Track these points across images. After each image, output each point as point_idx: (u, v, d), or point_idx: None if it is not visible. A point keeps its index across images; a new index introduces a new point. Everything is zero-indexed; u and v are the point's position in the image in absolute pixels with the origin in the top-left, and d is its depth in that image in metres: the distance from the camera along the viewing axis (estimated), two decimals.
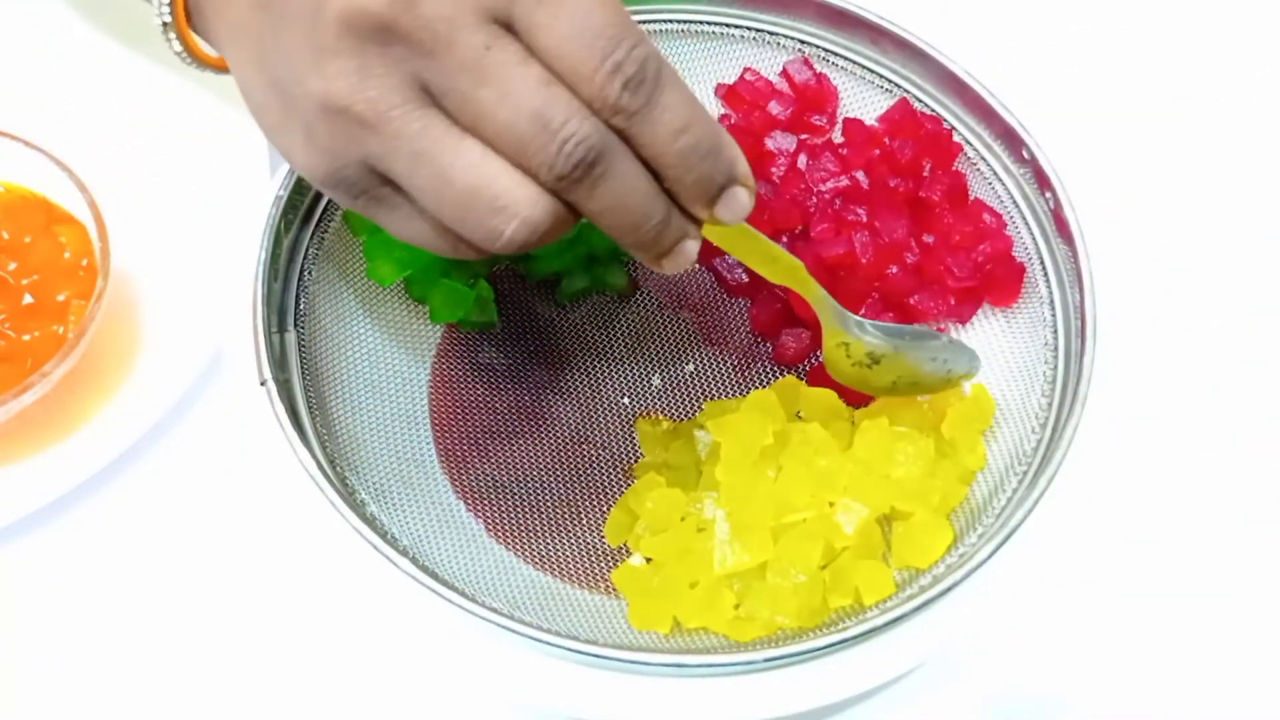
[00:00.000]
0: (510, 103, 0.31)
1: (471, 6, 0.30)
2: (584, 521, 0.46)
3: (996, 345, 0.48)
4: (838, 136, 0.52)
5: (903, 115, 0.50)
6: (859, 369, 0.44)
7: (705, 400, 0.48)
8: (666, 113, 0.32)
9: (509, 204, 0.31)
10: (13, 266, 0.49)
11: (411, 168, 0.32)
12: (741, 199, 0.35)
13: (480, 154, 0.31)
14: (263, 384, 0.42)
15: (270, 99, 0.33)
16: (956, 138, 0.50)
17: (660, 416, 0.48)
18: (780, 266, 0.41)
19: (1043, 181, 0.47)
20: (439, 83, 0.31)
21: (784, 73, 0.52)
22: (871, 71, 0.51)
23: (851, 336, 0.44)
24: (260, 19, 0.33)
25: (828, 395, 0.46)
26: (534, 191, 0.32)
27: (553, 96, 0.31)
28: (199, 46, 0.38)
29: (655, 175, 0.33)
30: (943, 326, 0.49)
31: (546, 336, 0.50)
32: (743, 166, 0.35)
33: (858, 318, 0.44)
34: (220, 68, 0.38)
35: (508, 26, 0.31)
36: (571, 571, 0.45)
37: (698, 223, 0.35)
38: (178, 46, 0.38)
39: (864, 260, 0.47)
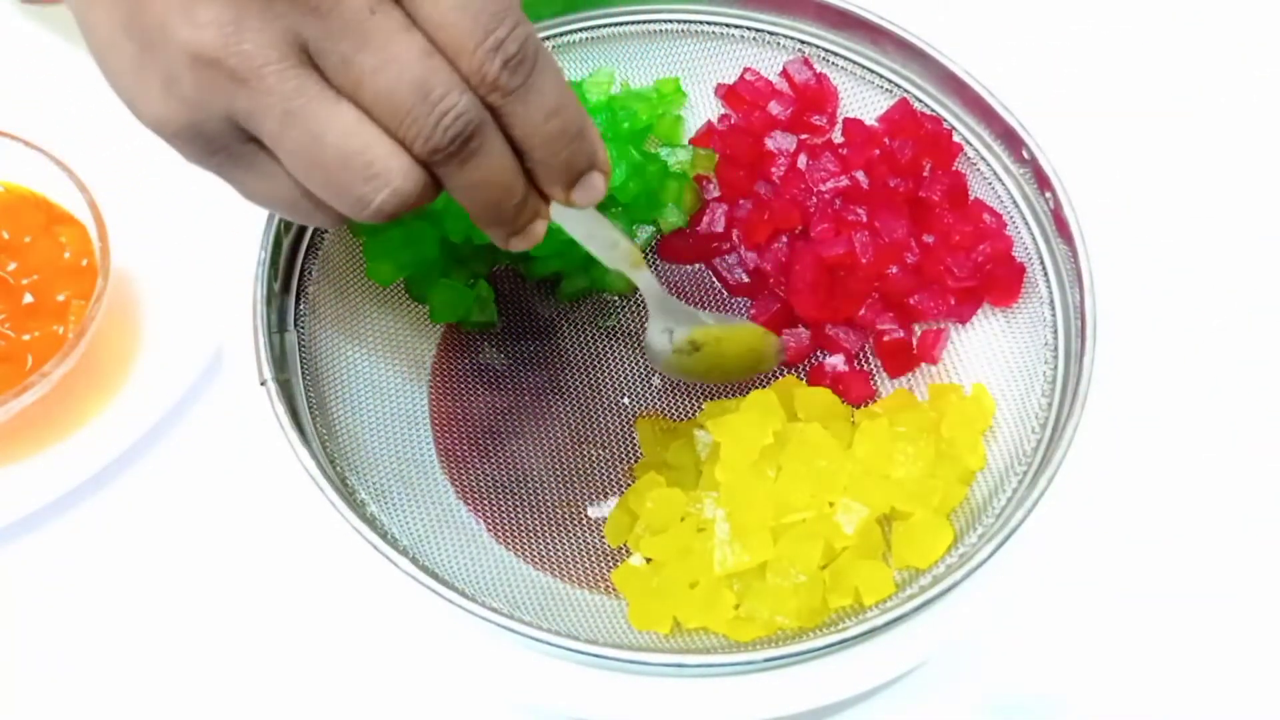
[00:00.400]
0: (391, 70, 0.30)
1: None
2: (584, 521, 0.46)
3: (996, 345, 0.48)
4: (838, 136, 0.52)
5: (903, 115, 0.50)
6: (679, 356, 0.45)
7: (705, 400, 0.48)
8: (540, 95, 0.32)
9: (381, 172, 0.31)
10: (13, 266, 0.49)
11: (281, 127, 0.30)
12: (598, 184, 0.35)
13: (355, 119, 0.31)
14: (263, 384, 0.42)
15: (122, 40, 0.31)
16: (956, 138, 0.50)
17: (660, 416, 0.48)
18: (619, 252, 0.41)
19: (1043, 181, 0.47)
20: (319, 43, 0.30)
21: (784, 73, 0.52)
22: (871, 71, 0.51)
23: (676, 323, 0.45)
24: None
25: (825, 395, 0.46)
26: (406, 161, 0.31)
27: (433, 68, 0.30)
28: None
29: (518, 154, 0.33)
30: (942, 327, 0.49)
31: (546, 336, 0.50)
32: (602, 153, 0.35)
33: (686, 307, 0.46)
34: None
35: None
36: (571, 571, 0.45)
37: (547, 201, 0.36)
38: None
39: (864, 260, 0.48)
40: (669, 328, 0.45)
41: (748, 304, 0.51)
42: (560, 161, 0.34)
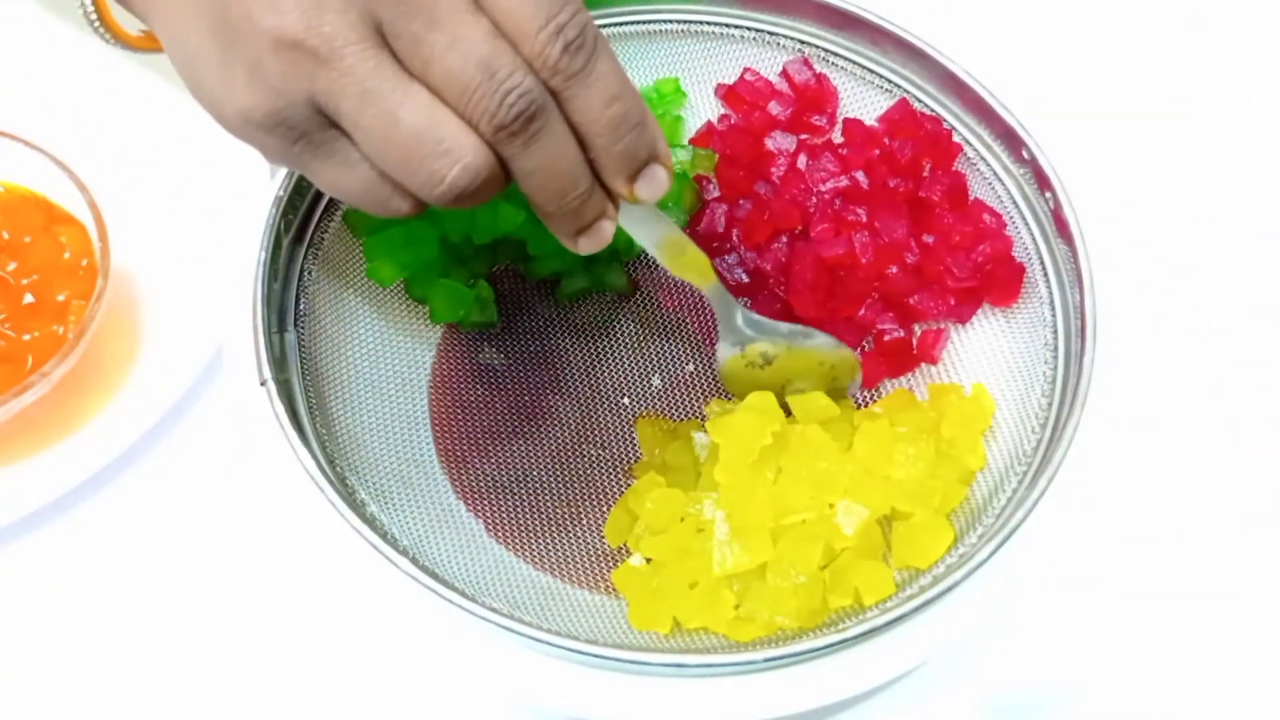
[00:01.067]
0: (460, 48, 0.31)
1: None
2: (584, 521, 0.46)
3: (996, 345, 0.48)
4: (838, 136, 0.52)
5: (902, 115, 0.50)
6: (751, 370, 0.45)
7: (705, 400, 0.48)
8: (601, 80, 0.33)
9: (453, 148, 0.32)
10: (13, 266, 0.49)
11: (360, 106, 0.31)
12: (661, 177, 0.36)
13: (427, 99, 0.32)
14: (263, 384, 0.42)
15: (208, 45, 0.33)
16: (956, 138, 0.50)
17: (660, 416, 0.48)
18: (687, 259, 0.41)
19: (1043, 181, 0.47)
20: (392, 23, 0.31)
21: (784, 73, 0.52)
22: (871, 71, 0.51)
23: (748, 336, 0.45)
24: None
25: (820, 397, 0.46)
26: (475, 140, 0.32)
27: (499, 48, 0.31)
28: (116, 23, 0.38)
29: (581, 146, 0.34)
30: (942, 327, 0.49)
31: (546, 336, 0.50)
32: (664, 146, 0.36)
33: (755, 316, 0.45)
34: (144, 46, 0.38)
35: None
36: (571, 571, 0.45)
37: (614, 203, 0.36)
38: (94, 19, 0.38)
39: (864, 260, 0.48)
40: (740, 341, 0.45)
41: (747, 304, 0.51)
42: (622, 150, 0.34)
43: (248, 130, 0.34)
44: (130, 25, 0.39)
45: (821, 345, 0.47)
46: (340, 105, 0.32)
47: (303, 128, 0.33)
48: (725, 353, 0.46)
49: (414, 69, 0.32)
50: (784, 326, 0.46)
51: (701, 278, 0.42)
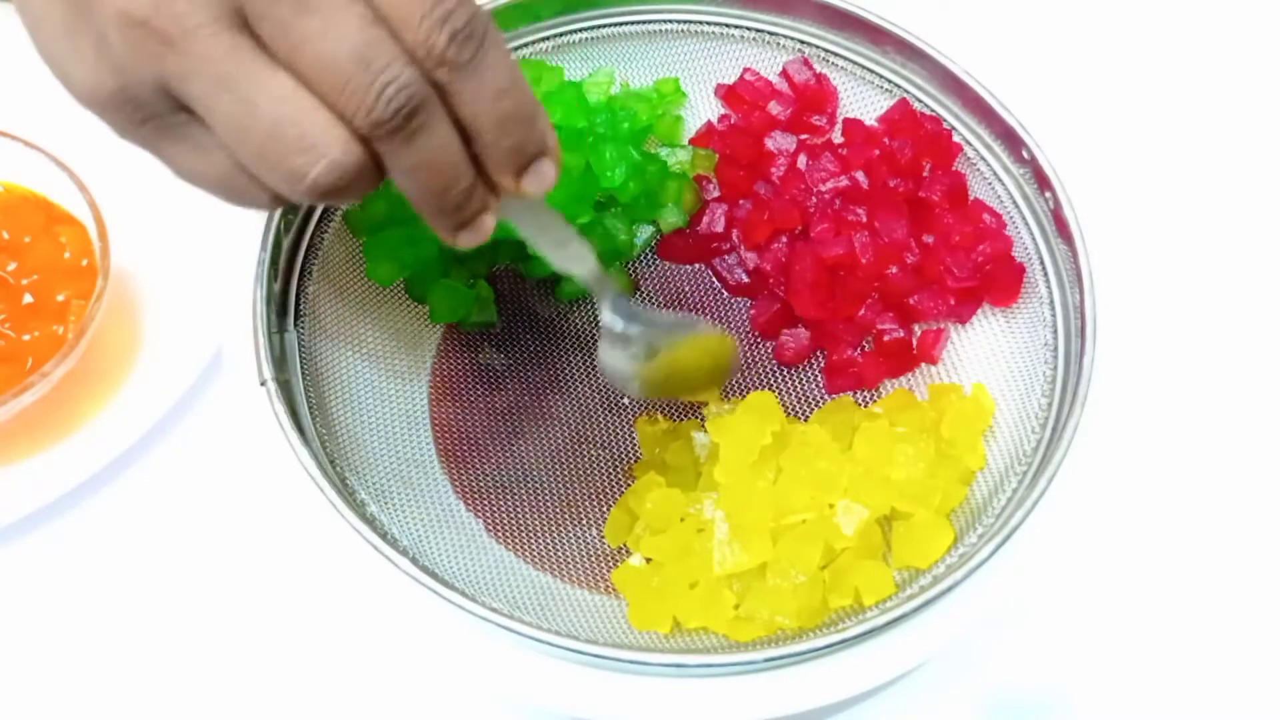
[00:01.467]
0: (332, 36, 0.29)
1: None
2: (584, 521, 0.46)
3: (996, 345, 0.48)
4: (838, 137, 0.52)
5: (902, 115, 0.50)
6: (635, 363, 0.43)
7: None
8: (490, 71, 0.31)
9: (317, 142, 0.29)
10: (13, 266, 0.49)
11: (212, 92, 0.29)
12: (549, 172, 0.34)
13: (292, 87, 0.29)
14: (263, 384, 0.42)
15: (54, 7, 0.30)
16: (956, 138, 0.50)
17: (660, 416, 0.48)
18: (570, 251, 0.39)
19: (1042, 181, 0.47)
20: (256, 6, 0.29)
21: (784, 73, 0.52)
22: (871, 71, 0.51)
23: (630, 327, 0.43)
24: None
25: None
26: (345, 133, 0.30)
27: (377, 37, 0.29)
28: None
29: (465, 139, 0.32)
30: (942, 327, 0.49)
31: (546, 336, 0.50)
32: (553, 138, 0.34)
33: (636, 307, 0.43)
34: None
35: None
36: (571, 571, 0.45)
37: (495, 194, 0.34)
38: None
39: (864, 260, 0.48)
40: (624, 333, 0.43)
41: (747, 304, 0.51)
42: (510, 145, 0.32)
43: (93, 105, 0.31)
44: None
45: (703, 333, 0.45)
46: (191, 89, 0.29)
47: (151, 109, 0.30)
48: (606, 346, 0.43)
49: (280, 56, 0.29)
50: (667, 316, 0.44)
51: (583, 267, 0.40)
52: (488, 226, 0.34)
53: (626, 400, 0.49)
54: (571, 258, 0.40)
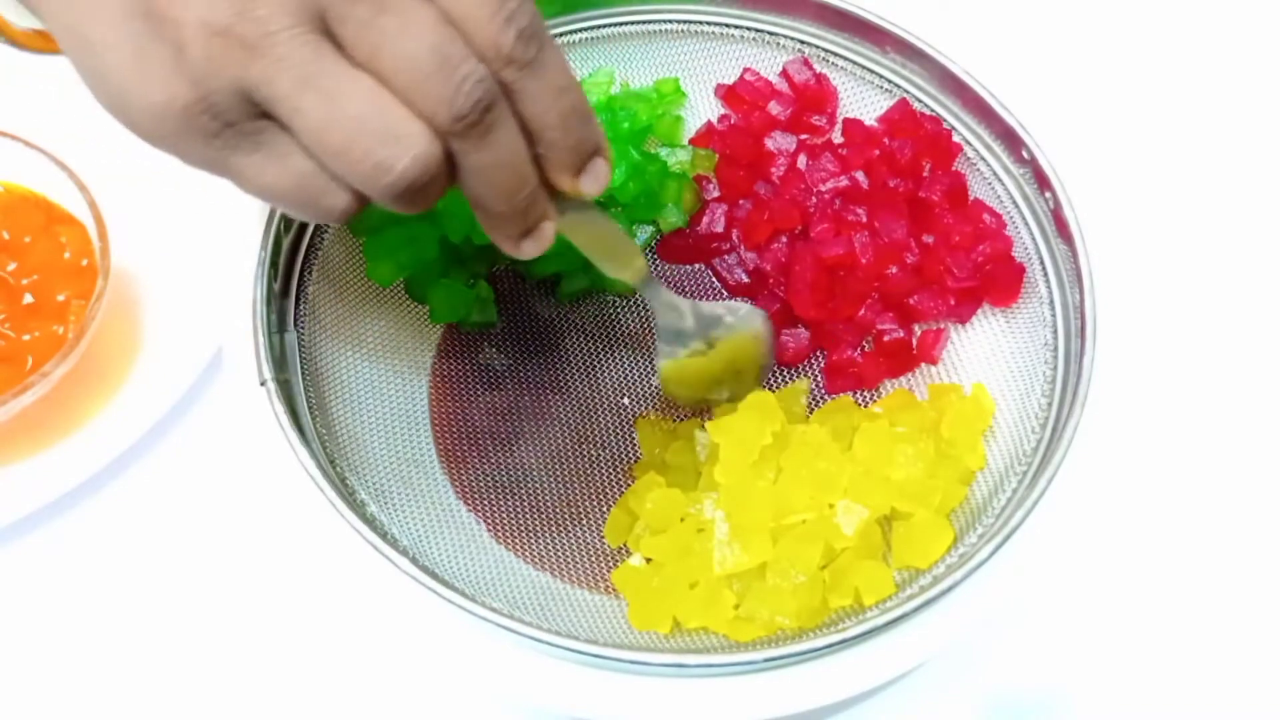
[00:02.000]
0: (411, 34, 0.29)
1: None
2: (584, 521, 0.46)
3: (996, 345, 0.48)
4: (837, 137, 0.52)
5: (902, 115, 0.50)
6: (695, 359, 0.44)
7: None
8: (552, 70, 0.32)
9: (403, 135, 0.30)
10: (12, 266, 0.49)
11: (298, 89, 0.29)
12: (604, 170, 0.35)
13: (373, 85, 0.30)
14: (263, 384, 0.42)
15: (118, 33, 0.30)
16: (956, 138, 0.50)
17: (660, 416, 0.48)
18: (621, 256, 0.40)
19: (1042, 181, 0.47)
20: (337, 9, 0.29)
21: (784, 73, 0.52)
22: (871, 71, 0.51)
23: (689, 325, 0.44)
24: None
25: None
26: (427, 128, 0.30)
27: (452, 35, 0.30)
28: (8, 25, 0.36)
29: (527, 140, 0.33)
30: (942, 327, 0.49)
31: (546, 336, 0.50)
32: (605, 141, 0.35)
33: (688, 301, 0.44)
34: (34, 45, 0.35)
35: None
36: (571, 571, 0.45)
37: (554, 201, 0.35)
38: None
39: (864, 260, 0.48)
40: (679, 334, 0.44)
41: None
42: (571, 143, 0.33)
43: (163, 125, 0.31)
44: (20, 19, 0.36)
45: (751, 320, 0.46)
46: (275, 91, 0.30)
47: (228, 117, 0.30)
48: (666, 351, 0.44)
49: (360, 57, 0.30)
50: (718, 305, 0.45)
51: (636, 271, 0.41)
52: (549, 233, 0.35)
53: (626, 400, 0.49)
54: (623, 263, 0.41)
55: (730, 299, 0.51)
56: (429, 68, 0.30)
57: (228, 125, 0.31)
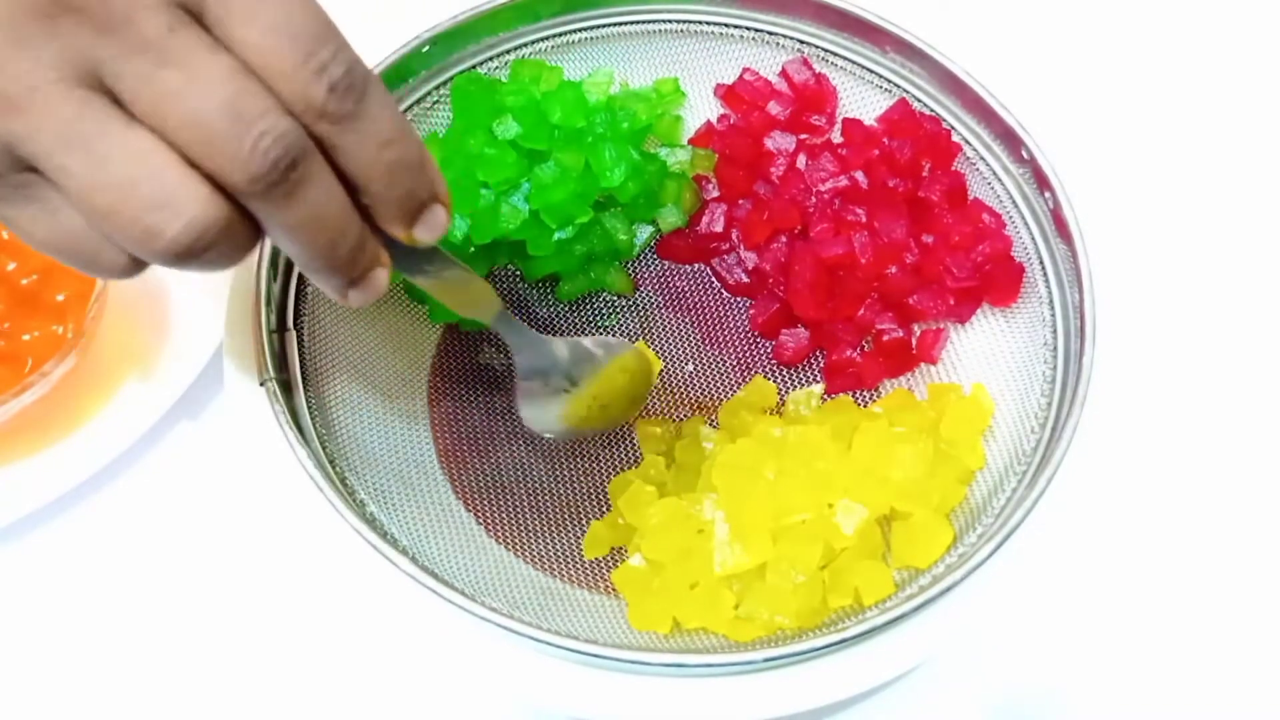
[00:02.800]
0: (197, 88, 0.27)
1: None
2: (584, 521, 0.46)
3: (996, 345, 0.48)
4: (837, 136, 0.52)
5: (902, 115, 0.50)
6: (559, 395, 0.43)
7: (705, 400, 0.48)
8: (374, 123, 0.29)
9: (174, 200, 0.27)
10: (12, 267, 0.49)
11: (59, 149, 0.27)
12: (441, 218, 0.33)
13: (149, 144, 0.27)
14: (263, 384, 0.42)
15: None
16: (956, 138, 0.50)
17: (660, 418, 0.48)
18: (470, 294, 0.38)
19: (1042, 181, 0.47)
20: (113, 64, 0.27)
21: (783, 73, 0.52)
22: (871, 71, 0.51)
23: (550, 359, 0.42)
24: None
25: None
26: (207, 191, 0.28)
27: (247, 88, 0.27)
28: None
29: (349, 191, 0.30)
30: (941, 327, 0.49)
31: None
32: (443, 186, 0.33)
33: (554, 340, 0.43)
34: None
35: (198, 16, 0.28)
36: (571, 571, 0.45)
37: (387, 247, 0.33)
38: None
39: (863, 260, 0.48)
40: (538, 369, 0.42)
41: (747, 304, 0.51)
42: (400, 194, 0.31)
43: None
44: None
45: (620, 352, 0.44)
46: (37, 148, 0.27)
47: None
48: (524, 388, 0.42)
49: (141, 113, 0.27)
50: (586, 340, 0.43)
51: (488, 310, 0.39)
52: (381, 282, 0.33)
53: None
54: (473, 302, 0.38)
55: (732, 299, 0.51)
56: (219, 125, 0.27)
57: None
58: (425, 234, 0.33)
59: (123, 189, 0.27)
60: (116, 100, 0.27)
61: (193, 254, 0.28)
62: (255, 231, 0.29)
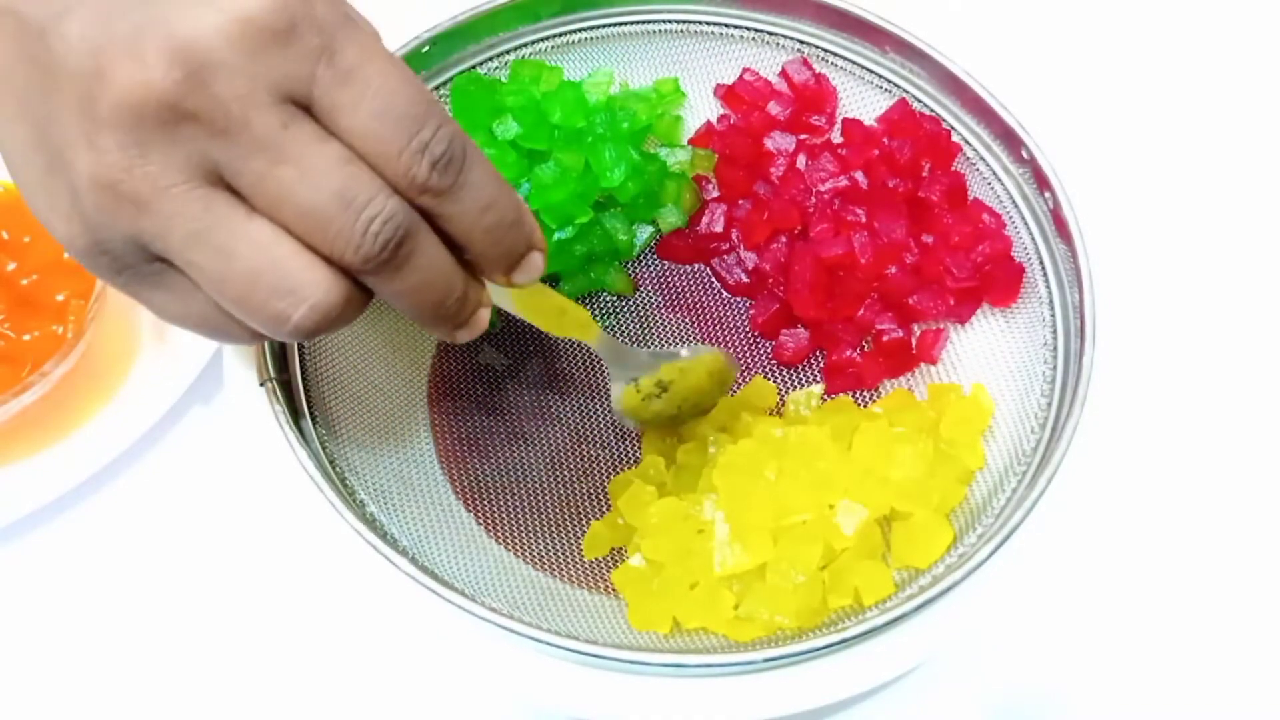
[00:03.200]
0: (310, 180, 0.29)
1: (267, 85, 0.29)
2: (584, 521, 0.46)
3: (996, 345, 0.48)
4: (837, 137, 0.52)
5: (901, 115, 0.50)
6: (648, 401, 0.44)
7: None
8: (474, 190, 0.31)
9: (297, 287, 0.30)
10: (12, 267, 0.49)
11: (188, 247, 0.29)
12: (538, 263, 0.35)
13: (270, 235, 0.29)
14: (263, 384, 0.42)
15: (33, 156, 0.30)
16: (956, 138, 0.50)
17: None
18: (568, 319, 0.41)
19: (1042, 182, 0.47)
20: (231, 164, 0.29)
21: (783, 73, 0.52)
22: (871, 71, 0.51)
23: (637, 372, 0.44)
24: (27, 71, 0.29)
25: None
26: (326, 274, 0.30)
27: (355, 175, 0.29)
28: None
29: (453, 247, 0.33)
30: (941, 327, 0.49)
31: (546, 336, 0.50)
32: (538, 233, 0.35)
33: (642, 352, 0.44)
34: None
35: (306, 107, 0.29)
36: (571, 571, 0.45)
37: (484, 287, 0.35)
38: None
39: (863, 260, 0.48)
40: (632, 378, 0.44)
41: (747, 304, 0.51)
42: (500, 252, 0.33)
43: (72, 252, 0.31)
44: None
45: (704, 358, 0.45)
46: (168, 245, 0.30)
47: (126, 261, 0.30)
48: (619, 391, 0.44)
49: (262, 208, 0.29)
50: (664, 355, 0.45)
51: (587, 333, 0.41)
52: (484, 320, 0.35)
53: None
54: (570, 325, 0.41)
55: (731, 299, 0.51)
56: (331, 212, 0.29)
57: (127, 268, 0.31)
58: (523, 279, 0.35)
59: (249, 280, 0.29)
60: (238, 194, 0.29)
61: (319, 329, 0.30)
62: (370, 295, 0.32)
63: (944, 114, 0.50)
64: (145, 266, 0.31)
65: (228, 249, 0.29)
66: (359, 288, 0.31)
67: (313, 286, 0.30)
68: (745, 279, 0.51)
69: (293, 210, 0.29)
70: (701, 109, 0.54)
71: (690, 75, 0.53)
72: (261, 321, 0.30)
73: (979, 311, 0.49)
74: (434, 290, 0.32)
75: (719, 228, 0.51)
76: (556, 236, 0.48)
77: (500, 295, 0.37)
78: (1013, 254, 0.48)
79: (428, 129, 0.30)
